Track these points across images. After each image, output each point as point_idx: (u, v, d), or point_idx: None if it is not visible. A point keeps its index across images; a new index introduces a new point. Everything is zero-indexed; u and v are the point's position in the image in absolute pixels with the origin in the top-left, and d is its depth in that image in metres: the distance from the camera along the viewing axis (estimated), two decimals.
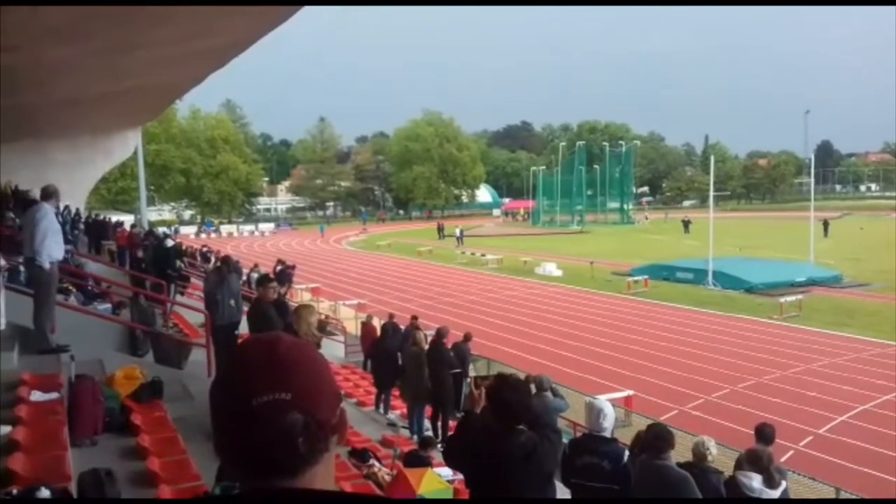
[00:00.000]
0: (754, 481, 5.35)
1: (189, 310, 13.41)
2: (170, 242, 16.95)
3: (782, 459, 11.54)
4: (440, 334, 11.61)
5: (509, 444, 3.82)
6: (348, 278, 38.41)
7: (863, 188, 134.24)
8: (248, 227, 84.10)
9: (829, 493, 8.83)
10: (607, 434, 5.69)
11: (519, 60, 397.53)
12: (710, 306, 27.18)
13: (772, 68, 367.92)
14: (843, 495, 8.76)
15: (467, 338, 13.50)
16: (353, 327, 19.95)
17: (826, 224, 52.20)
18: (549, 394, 8.75)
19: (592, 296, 30.90)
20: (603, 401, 6.18)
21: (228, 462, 1.15)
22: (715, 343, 21.26)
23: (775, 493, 5.34)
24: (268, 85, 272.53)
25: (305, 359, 1.16)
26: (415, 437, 10.17)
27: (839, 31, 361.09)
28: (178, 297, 15.58)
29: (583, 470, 5.51)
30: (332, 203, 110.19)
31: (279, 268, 24.65)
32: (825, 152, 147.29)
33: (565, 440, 6.88)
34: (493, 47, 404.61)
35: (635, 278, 32.34)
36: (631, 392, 15.10)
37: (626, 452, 5.54)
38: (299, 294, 27.35)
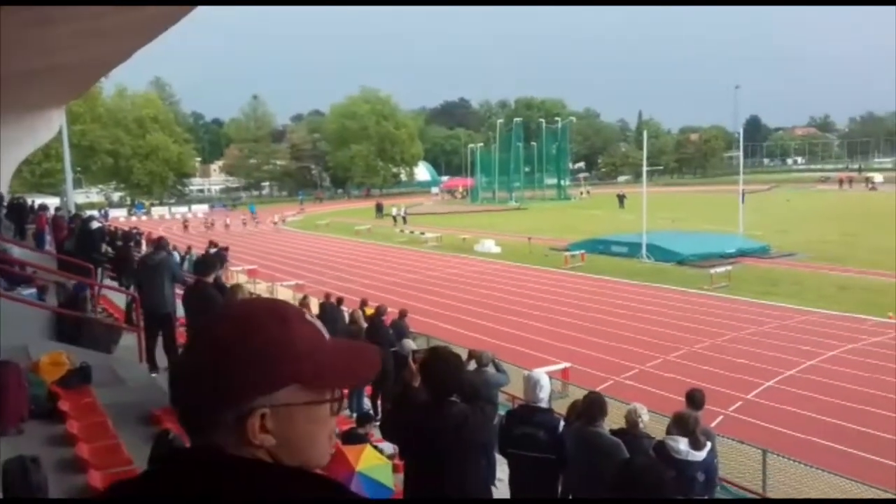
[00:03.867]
0: (681, 444, 5.54)
1: (118, 292, 13.05)
2: (95, 225, 16.34)
3: (713, 424, 11.94)
4: (379, 312, 11.58)
5: (441, 415, 3.84)
6: (286, 259, 37.95)
7: (790, 161, 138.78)
8: (181, 209, 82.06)
9: (756, 456, 9.18)
10: (543, 405, 5.80)
11: (457, 36, 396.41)
12: (644, 278, 27.82)
13: (702, 45, 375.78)
14: (770, 457, 9.12)
15: (403, 314, 13.51)
16: None
17: (743, 194, 54.11)
18: (490, 368, 8.84)
19: (531, 271, 31.27)
20: (540, 373, 6.27)
21: None
22: (648, 314, 21.79)
23: (701, 455, 5.54)
24: (199, 62, 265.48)
25: (255, 324, 1.12)
26: (354, 415, 10.15)
27: (766, 9, 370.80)
28: (107, 282, 15.14)
29: (519, 440, 5.61)
30: (267, 183, 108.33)
31: (212, 250, 24.15)
32: (754, 127, 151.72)
33: (503, 412, 6.99)
34: (430, 23, 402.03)
35: (572, 253, 32.84)
36: (568, 364, 15.37)
37: (562, 422, 5.66)
38: (235, 276, 26.91)
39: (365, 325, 11.57)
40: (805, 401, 13.79)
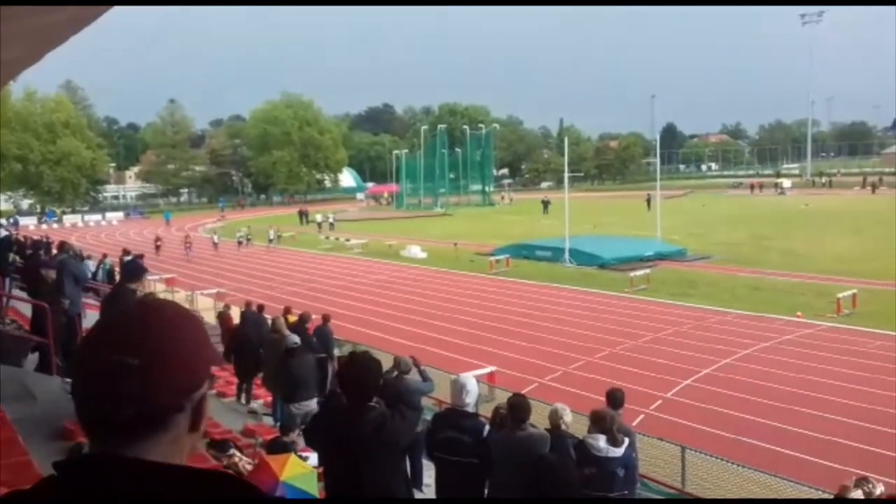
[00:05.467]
0: (600, 441, 5.66)
1: (28, 303, 12.43)
2: (2, 234, 15.57)
3: (634, 423, 12.24)
4: (302, 320, 11.40)
5: (360, 420, 3.80)
6: (206, 267, 37.01)
7: (704, 168, 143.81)
8: (95, 217, 79.06)
9: (675, 452, 9.43)
10: (470, 409, 5.81)
11: (380, 42, 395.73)
12: (568, 282, 28.31)
13: (620, 54, 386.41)
14: (688, 454, 9.38)
15: (326, 319, 13.33)
16: (213, 318, 19.23)
17: (649, 200, 57.63)
18: (415, 376, 8.81)
19: (457, 276, 31.40)
20: (466, 377, 6.28)
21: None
22: (572, 317, 22.19)
23: (619, 451, 5.67)
24: (113, 65, 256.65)
25: (170, 326, 1.09)
26: (278, 424, 9.95)
27: (683, 19, 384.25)
28: (16, 292, 14.40)
29: (444, 444, 5.61)
30: (186, 189, 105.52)
31: (125, 258, 23.31)
32: (670, 134, 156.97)
33: (428, 416, 6.98)
34: (352, 28, 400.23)
35: (497, 258, 33.15)
36: (494, 368, 15.48)
37: (487, 427, 5.68)
38: (153, 285, 26.06)
39: (288, 333, 11.34)
40: (721, 398, 14.27)
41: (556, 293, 26.48)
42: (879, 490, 5.27)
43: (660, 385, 15.13)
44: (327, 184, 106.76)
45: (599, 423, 5.85)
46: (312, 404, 9.57)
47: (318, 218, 58.24)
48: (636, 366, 16.61)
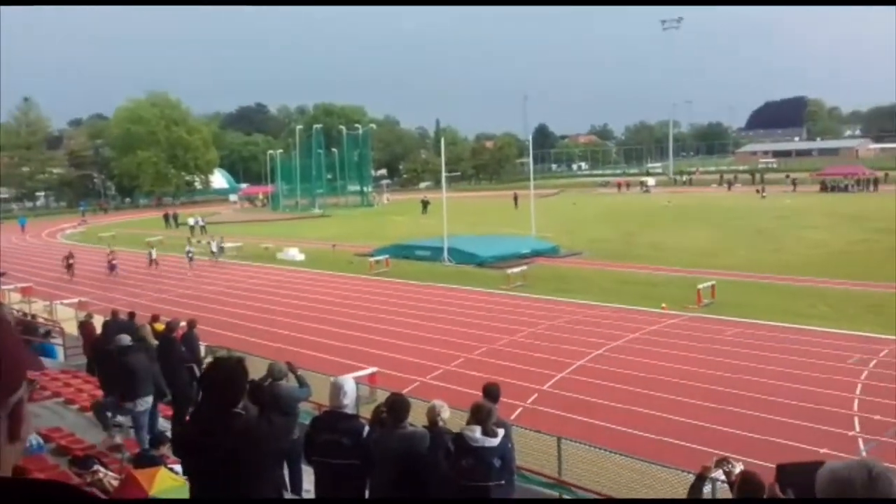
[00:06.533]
0: (476, 433, 5.74)
1: None
2: None
3: (513, 416, 12.51)
4: (169, 328, 10.90)
5: (223, 427, 3.65)
6: (66, 275, 34.77)
7: (575, 167, 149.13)
8: None
9: (551, 443, 9.70)
10: (348, 411, 5.74)
11: (250, 40, 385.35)
12: (447, 281, 28.61)
13: (495, 56, 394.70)
14: (564, 444, 9.67)
15: (192, 325, 12.81)
16: (75, 328, 18.12)
17: (516, 199, 61.90)
18: (291, 382, 8.61)
19: (336, 278, 31.07)
20: (344, 379, 6.20)
21: None
22: (452, 315, 22.44)
23: (495, 442, 5.77)
24: None
25: None
26: (148, 437, 9.47)
27: (554, 23, 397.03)
28: None
29: (323, 447, 5.53)
30: (42, 193, 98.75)
31: None
32: (542, 135, 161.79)
33: (305, 421, 6.84)
34: (221, 25, 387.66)
35: (377, 258, 33.06)
36: (375, 369, 15.41)
37: (366, 428, 5.63)
38: (7, 295, 24.25)
39: (155, 341, 10.83)
40: (595, 388, 14.84)
41: (436, 292, 26.71)
42: (738, 469, 5.60)
43: (537, 378, 15.55)
44: (198, 185, 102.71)
45: (476, 414, 5.94)
46: (149, 401, 9.37)
47: (191, 221, 56.06)
48: (514, 361, 17.00)
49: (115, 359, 9.90)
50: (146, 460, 7.27)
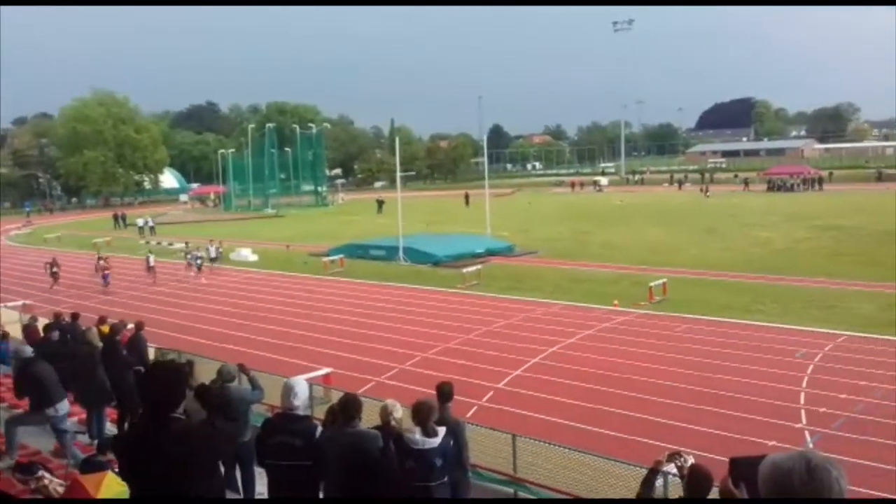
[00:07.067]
0: (416, 435, 5.71)
1: None
2: None
3: (468, 414, 12.53)
4: (114, 331, 10.63)
5: (160, 433, 3.55)
6: (10, 278, 33.72)
7: (529, 166, 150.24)
8: None
9: (506, 441, 9.72)
10: (300, 412, 5.67)
11: (202, 37, 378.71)
12: (402, 280, 28.53)
13: (449, 56, 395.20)
14: (519, 441, 9.70)
15: (139, 328, 12.52)
16: (19, 332, 17.56)
17: (467, 197, 63.83)
18: (244, 384, 8.48)
19: (291, 278, 30.74)
20: (296, 380, 6.11)
21: None
22: (407, 315, 22.38)
23: (435, 442, 5.73)
24: None
25: None
26: (95, 441, 9.23)
27: (508, 24, 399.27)
28: None
29: (275, 449, 5.46)
30: None
31: None
32: (497, 135, 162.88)
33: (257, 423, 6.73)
34: (171, 22, 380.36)
35: (332, 258, 32.81)
36: (330, 369, 15.27)
37: (319, 429, 5.57)
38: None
39: (100, 344, 10.54)
40: (549, 385, 14.93)
41: (392, 291, 26.61)
42: (690, 462, 5.67)
43: (492, 376, 15.60)
44: (147, 185, 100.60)
45: (416, 415, 5.90)
46: (63, 408, 9.16)
47: (140, 222, 54.92)
48: (470, 359, 17.03)
49: (23, 370, 9.60)
50: (92, 466, 7.06)
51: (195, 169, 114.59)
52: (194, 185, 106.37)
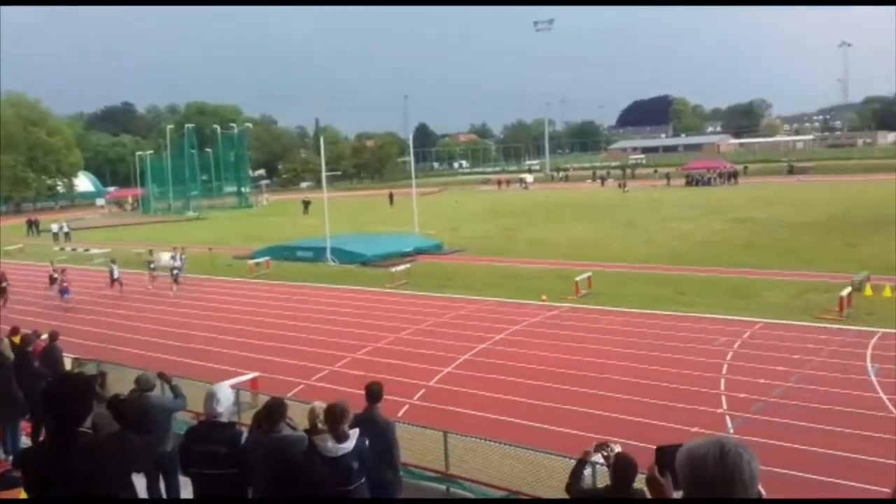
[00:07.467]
0: (328, 442, 5.56)
1: None
2: None
3: (400, 413, 12.50)
4: (25, 341, 10.13)
5: (64, 449, 3.39)
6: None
7: (456, 165, 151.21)
8: None
9: (437, 438, 9.72)
10: (223, 419, 5.52)
11: (117, 37, 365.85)
12: (331, 281, 28.23)
13: (374, 55, 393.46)
14: (451, 438, 9.72)
15: (54, 338, 11.98)
16: None
17: (391, 197, 65.00)
18: (165, 392, 8.22)
19: (214, 282, 30.01)
20: (219, 386, 5.95)
21: None
22: (336, 316, 22.15)
23: (348, 446, 5.60)
24: None
25: None
26: (10, 457, 8.79)
27: (433, 23, 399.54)
28: None
29: (200, 457, 5.30)
30: None
31: None
32: (423, 134, 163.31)
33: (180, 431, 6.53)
34: (84, 21, 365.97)
35: (257, 261, 32.21)
36: (257, 374, 14.95)
37: (244, 435, 5.44)
38: None
39: (12, 356, 10.04)
40: (481, 381, 15.00)
41: (320, 293, 26.31)
42: (617, 451, 5.78)
43: (423, 374, 15.58)
44: (61, 189, 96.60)
45: (326, 420, 5.72)
46: None
47: (54, 227, 52.73)
48: (400, 358, 16.98)
49: None
50: (7, 482, 6.74)
51: (111, 172, 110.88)
52: (111, 189, 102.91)
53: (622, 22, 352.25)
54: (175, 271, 28.71)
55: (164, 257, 33.60)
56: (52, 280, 27.80)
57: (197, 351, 18.69)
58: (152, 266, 29.65)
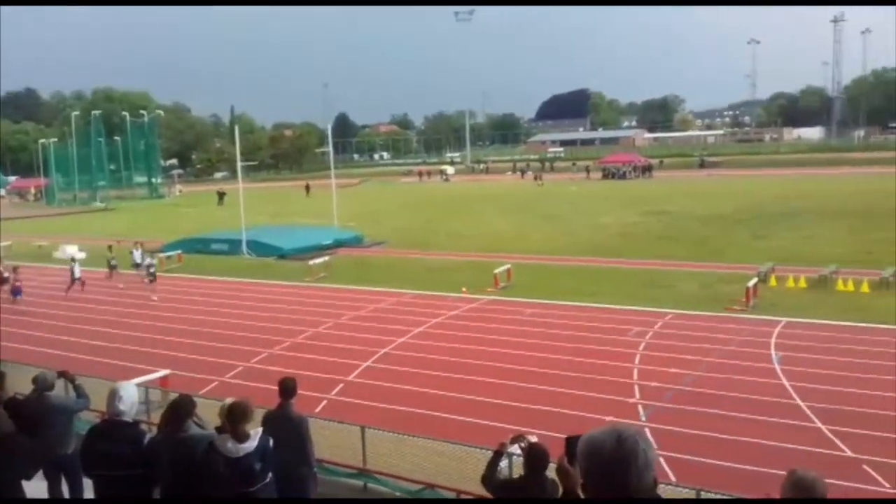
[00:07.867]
0: (228, 443, 5.38)
1: None
2: None
3: (317, 409, 12.31)
4: None
5: None
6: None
7: (376, 156, 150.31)
8: None
9: (356, 433, 9.60)
10: (127, 418, 5.26)
11: (20, 19, 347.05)
12: (247, 275, 27.61)
13: (292, 42, 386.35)
14: (368, 433, 9.61)
15: None
16: None
17: (307, 188, 66.71)
18: (67, 392, 7.80)
19: (122, 277, 28.74)
20: (122, 384, 5.66)
21: None
22: (252, 310, 21.65)
23: (250, 446, 5.42)
24: None
25: None
26: None
27: (353, 12, 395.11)
28: None
29: (102, 458, 5.04)
30: None
31: None
32: (343, 124, 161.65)
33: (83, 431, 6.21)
34: None
35: (168, 254, 31.19)
36: (168, 371, 14.43)
37: (148, 435, 5.20)
38: None
39: None
40: (400, 375, 14.92)
41: (235, 287, 25.68)
42: (533, 441, 5.83)
43: (341, 369, 15.39)
44: None
45: (227, 419, 5.53)
46: None
47: None
48: (318, 353, 16.72)
49: None
50: None
51: (13, 161, 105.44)
52: (12, 179, 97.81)
53: (543, 13, 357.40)
54: (151, 268, 27.16)
55: (69, 250, 32.23)
56: (3, 279, 25.17)
57: (104, 348, 17.91)
58: (112, 263, 28.51)
